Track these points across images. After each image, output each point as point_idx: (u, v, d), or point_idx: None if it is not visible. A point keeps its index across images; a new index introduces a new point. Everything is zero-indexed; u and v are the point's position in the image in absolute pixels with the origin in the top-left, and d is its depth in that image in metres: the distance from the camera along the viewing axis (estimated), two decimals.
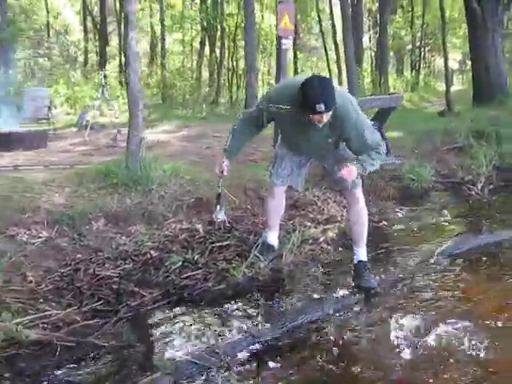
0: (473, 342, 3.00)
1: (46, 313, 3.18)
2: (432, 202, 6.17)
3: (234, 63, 20.72)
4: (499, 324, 3.21)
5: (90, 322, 3.19)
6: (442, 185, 6.63)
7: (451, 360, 2.83)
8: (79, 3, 23.48)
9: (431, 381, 2.66)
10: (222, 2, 18.48)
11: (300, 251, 4.28)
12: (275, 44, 12.31)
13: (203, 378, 2.69)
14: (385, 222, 5.20)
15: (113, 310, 3.36)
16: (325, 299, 3.54)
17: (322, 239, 4.57)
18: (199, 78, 20.04)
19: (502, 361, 2.84)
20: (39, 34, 22.42)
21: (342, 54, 15.33)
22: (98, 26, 21.35)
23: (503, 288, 3.72)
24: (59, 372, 2.74)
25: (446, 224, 5.32)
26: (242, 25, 15.43)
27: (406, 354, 2.95)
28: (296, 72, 19.75)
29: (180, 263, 3.87)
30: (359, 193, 3.75)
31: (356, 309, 3.49)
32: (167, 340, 3.10)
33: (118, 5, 20.03)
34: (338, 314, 3.38)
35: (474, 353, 2.90)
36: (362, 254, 3.84)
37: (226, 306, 3.51)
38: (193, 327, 3.25)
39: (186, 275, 3.78)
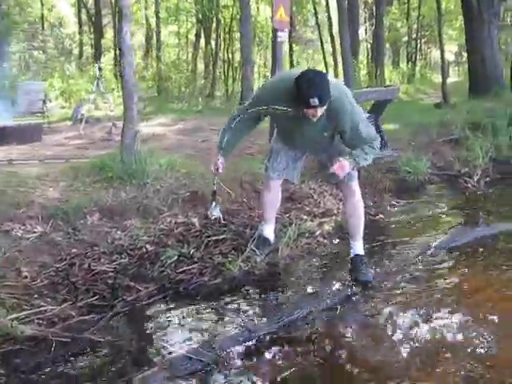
0: (470, 335, 3.00)
1: (41, 308, 3.16)
2: (428, 194, 6.18)
3: (230, 56, 20.63)
4: (496, 316, 3.21)
5: (86, 317, 3.18)
6: (438, 177, 6.62)
7: (448, 353, 2.82)
8: None
9: (428, 374, 2.66)
10: None
11: (296, 245, 4.28)
12: (271, 36, 12.23)
13: (199, 373, 2.68)
14: (381, 215, 5.19)
15: (108, 304, 3.34)
16: (321, 293, 3.53)
17: (318, 232, 4.56)
18: (195, 71, 19.94)
19: (499, 354, 2.84)
20: (33, 26, 22.25)
21: (337, 47, 15.26)
22: (93, 19, 21.18)
23: (500, 280, 3.73)
24: (55, 368, 2.72)
25: (443, 216, 5.33)
26: (238, 17, 15.32)
27: (403, 346, 2.95)
28: (292, 65, 19.67)
29: (175, 257, 3.86)
30: (355, 185, 3.75)
31: (353, 302, 3.49)
32: (163, 335, 3.09)
33: None
34: (334, 308, 3.37)
35: (470, 346, 2.90)
36: (358, 247, 3.84)
37: (222, 300, 3.50)
38: (189, 322, 3.23)
39: (181, 269, 3.76)
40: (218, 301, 3.48)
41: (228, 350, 2.84)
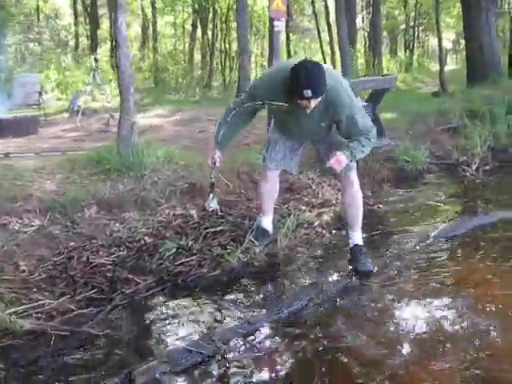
0: (469, 324, 3.00)
1: (40, 302, 3.15)
2: (427, 183, 6.16)
3: (227, 46, 20.56)
4: (496, 305, 3.20)
5: (85, 310, 3.17)
6: (436, 166, 6.60)
7: (447, 343, 2.82)
8: None
9: (427, 364, 2.65)
10: None
11: (295, 235, 4.27)
12: (268, 26, 12.19)
13: (199, 365, 2.67)
14: (380, 205, 5.18)
15: (107, 298, 3.33)
16: (320, 283, 3.52)
17: (316, 223, 4.55)
18: (191, 61, 19.88)
19: (499, 344, 2.84)
20: (29, 18, 22.09)
21: (335, 35, 15.19)
22: (89, 10, 21.05)
23: (499, 269, 3.72)
24: (54, 361, 2.71)
25: (441, 205, 5.31)
26: (234, 6, 15.23)
27: (401, 336, 2.95)
28: (289, 54, 19.58)
29: (174, 250, 3.84)
30: (354, 176, 3.73)
31: (352, 292, 3.48)
32: (162, 327, 3.08)
33: None
34: (333, 298, 3.36)
35: (470, 335, 2.89)
36: (357, 237, 3.83)
37: (221, 292, 3.49)
38: (188, 314, 3.22)
39: (180, 262, 3.75)
40: (217, 292, 3.47)
41: (228, 342, 2.83)
